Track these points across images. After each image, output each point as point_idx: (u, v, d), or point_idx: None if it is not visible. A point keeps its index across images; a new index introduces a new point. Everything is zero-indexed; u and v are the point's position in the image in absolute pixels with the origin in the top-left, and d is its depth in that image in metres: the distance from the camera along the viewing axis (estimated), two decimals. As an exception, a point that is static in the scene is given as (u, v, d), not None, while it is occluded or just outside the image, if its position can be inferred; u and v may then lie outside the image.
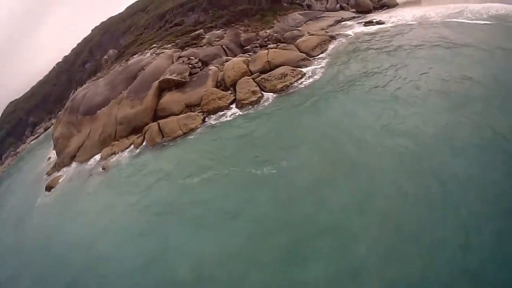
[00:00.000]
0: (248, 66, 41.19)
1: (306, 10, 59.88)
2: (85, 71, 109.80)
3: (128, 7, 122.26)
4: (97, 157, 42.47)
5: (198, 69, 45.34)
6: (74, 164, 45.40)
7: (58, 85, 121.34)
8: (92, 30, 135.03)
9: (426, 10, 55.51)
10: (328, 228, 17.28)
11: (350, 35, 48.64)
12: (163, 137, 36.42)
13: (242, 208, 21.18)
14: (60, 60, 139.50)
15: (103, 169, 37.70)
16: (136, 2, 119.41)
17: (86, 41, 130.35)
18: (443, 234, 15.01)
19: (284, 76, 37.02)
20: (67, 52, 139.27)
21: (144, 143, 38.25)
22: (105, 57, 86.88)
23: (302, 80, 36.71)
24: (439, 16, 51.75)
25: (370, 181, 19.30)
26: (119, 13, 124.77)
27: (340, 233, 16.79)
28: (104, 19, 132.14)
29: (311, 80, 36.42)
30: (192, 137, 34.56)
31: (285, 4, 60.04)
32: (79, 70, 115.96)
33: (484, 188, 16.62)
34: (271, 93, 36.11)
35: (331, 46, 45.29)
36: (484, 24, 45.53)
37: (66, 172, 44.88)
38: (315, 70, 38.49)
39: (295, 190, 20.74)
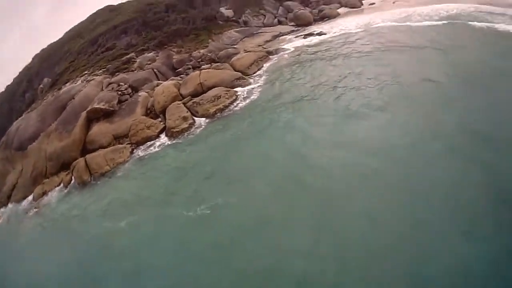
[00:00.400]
0: (179, 90, 38.71)
1: (242, 27, 58.65)
2: (25, 102, 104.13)
3: (66, 32, 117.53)
4: (30, 197, 38.07)
5: (128, 95, 42.34)
6: (10, 205, 40.76)
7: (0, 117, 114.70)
8: (32, 58, 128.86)
9: (371, 18, 55.25)
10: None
11: (289, 49, 47.30)
12: (90, 174, 32.74)
13: (169, 261, 18.46)
14: (3, 90, 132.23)
15: (35, 210, 33.99)
16: (75, 26, 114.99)
17: (26, 69, 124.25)
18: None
19: (218, 99, 34.75)
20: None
21: (73, 181, 34.37)
22: (41, 86, 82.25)
23: (238, 101, 34.48)
24: (385, 21, 51.40)
25: (324, 212, 17.40)
26: (59, 39, 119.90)
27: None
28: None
29: (247, 101, 34.28)
30: (120, 173, 31.15)
31: (220, 22, 58.52)
32: (19, 100, 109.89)
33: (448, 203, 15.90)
34: (204, 118, 33.54)
35: (268, 63, 43.86)
36: (435, 25, 45.82)
37: (3, 213, 40.37)
38: (251, 90, 36.43)
39: (234, 234, 18.26)
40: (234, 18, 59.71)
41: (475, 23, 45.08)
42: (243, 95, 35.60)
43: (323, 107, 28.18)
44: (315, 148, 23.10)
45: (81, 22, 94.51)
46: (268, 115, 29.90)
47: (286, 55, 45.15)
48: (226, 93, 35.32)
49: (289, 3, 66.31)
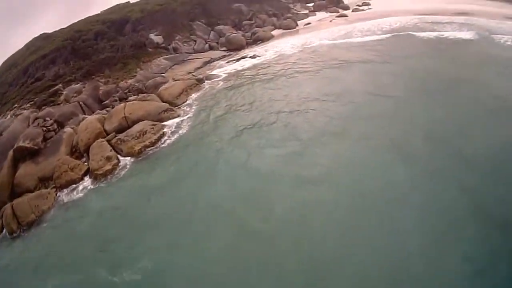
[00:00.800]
0: (103, 125, 37.10)
1: (172, 54, 58.63)
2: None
3: (3, 63, 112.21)
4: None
5: (53, 132, 40.53)
6: None
7: None
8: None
9: (307, 37, 56.04)
10: None
11: (221, 76, 46.76)
12: (18, 223, 29.48)
13: None
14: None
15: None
16: (13, 54, 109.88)
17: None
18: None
19: (143, 134, 33.12)
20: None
21: (4, 231, 30.35)
22: (-27, 120, 78.29)
23: (165, 137, 32.92)
24: (323, 40, 52.33)
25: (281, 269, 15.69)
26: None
27: None
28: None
29: (176, 135, 32.59)
30: (45, 224, 27.61)
31: (149, 50, 58.24)
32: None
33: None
34: (129, 157, 31.30)
35: (199, 91, 42.79)
36: (379, 39, 47.21)
37: None
38: (181, 122, 35.05)
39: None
40: (163, 45, 59.66)
41: (422, 33, 47.46)
42: (171, 129, 34.03)
43: (264, 137, 26.84)
44: (265, 188, 21.31)
45: (18, 51, 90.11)
46: (200, 150, 28.45)
47: (217, 82, 44.47)
48: (153, 128, 33.94)
49: (220, 27, 67.13)
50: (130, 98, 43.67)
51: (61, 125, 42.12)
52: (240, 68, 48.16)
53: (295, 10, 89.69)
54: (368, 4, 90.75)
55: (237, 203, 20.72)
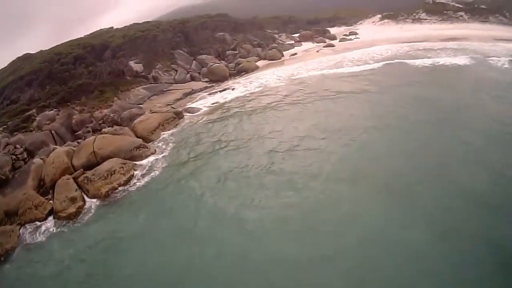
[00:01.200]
0: (72, 160, 34.96)
1: (152, 83, 57.96)
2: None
3: None
4: None
5: (22, 161, 38.87)
6: None
7: None
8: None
9: (294, 68, 56.04)
10: None
11: (201, 109, 45.37)
12: None
13: None
14: None
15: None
16: None
17: None
18: None
19: (111, 174, 30.81)
20: None
21: None
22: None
23: (136, 179, 30.51)
24: (311, 71, 51.95)
25: None
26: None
27: None
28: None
29: (147, 178, 30.11)
30: (8, 265, 25.17)
31: (128, 78, 57.55)
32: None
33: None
34: (95, 200, 28.85)
35: (176, 126, 41.11)
36: (372, 68, 47.46)
37: None
38: (154, 162, 32.80)
39: None
40: (143, 73, 59.06)
41: (415, 60, 48.19)
42: (143, 170, 31.71)
43: (253, 184, 24.31)
44: (252, 255, 18.67)
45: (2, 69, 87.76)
46: (175, 198, 25.76)
47: (198, 116, 42.98)
48: (122, 167, 31.71)
49: (203, 56, 66.94)
50: (104, 129, 42.25)
51: (31, 154, 40.53)
52: (223, 101, 47.00)
53: (281, 40, 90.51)
54: (355, 34, 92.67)
55: (215, 272, 18.11)
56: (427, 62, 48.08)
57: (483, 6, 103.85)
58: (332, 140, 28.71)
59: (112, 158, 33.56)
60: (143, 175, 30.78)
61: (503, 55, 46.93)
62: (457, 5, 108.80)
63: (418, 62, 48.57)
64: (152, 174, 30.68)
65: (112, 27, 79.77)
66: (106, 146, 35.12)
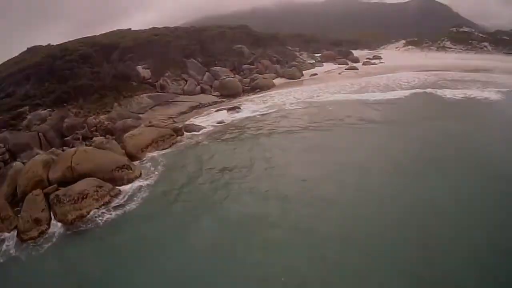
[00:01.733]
0: (48, 171, 30.02)
1: (158, 92, 53.61)
2: None
3: None
4: None
5: (3, 163, 34.86)
6: None
7: None
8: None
9: (313, 90, 52.91)
10: None
11: (204, 127, 40.24)
12: None
13: None
14: None
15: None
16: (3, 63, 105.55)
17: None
18: None
19: (83, 198, 25.78)
20: None
21: None
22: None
23: (108, 209, 25.44)
24: (334, 94, 49.12)
25: None
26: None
27: None
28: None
29: (120, 211, 24.98)
30: None
31: (134, 83, 53.26)
32: None
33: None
34: (61, 224, 24.52)
35: (172, 145, 36.07)
36: (398, 97, 44.96)
37: None
38: (135, 190, 27.57)
39: None
40: (150, 80, 54.83)
41: (445, 91, 46.80)
42: (120, 197, 26.82)
43: (261, 241, 19.48)
44: None
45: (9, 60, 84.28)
46: (147, 244, 20.85)
47: (198, 135, 37.97)
48: (97, 191, 26.66)
49: (217, 68, 62.70)
50: (94, 138, 38.40)
51: (13, 156, 36.57)
52: (230, 120, 42.20)
53: (301, 58, 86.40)
54: (379, 58, 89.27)
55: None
56: (457, 94, 45.37)
57: (505, 37, 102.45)
58: (355, 181, 23.87)
59: (90, 176, 28.48)
60: (117, 206, 25.70)
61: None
62: (480, 34, 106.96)
63: (447, 93, 45.88)
64: (128, 207, 25.48)
65: (129, 29, 75.88)
66: (85, 161, 29.94)
